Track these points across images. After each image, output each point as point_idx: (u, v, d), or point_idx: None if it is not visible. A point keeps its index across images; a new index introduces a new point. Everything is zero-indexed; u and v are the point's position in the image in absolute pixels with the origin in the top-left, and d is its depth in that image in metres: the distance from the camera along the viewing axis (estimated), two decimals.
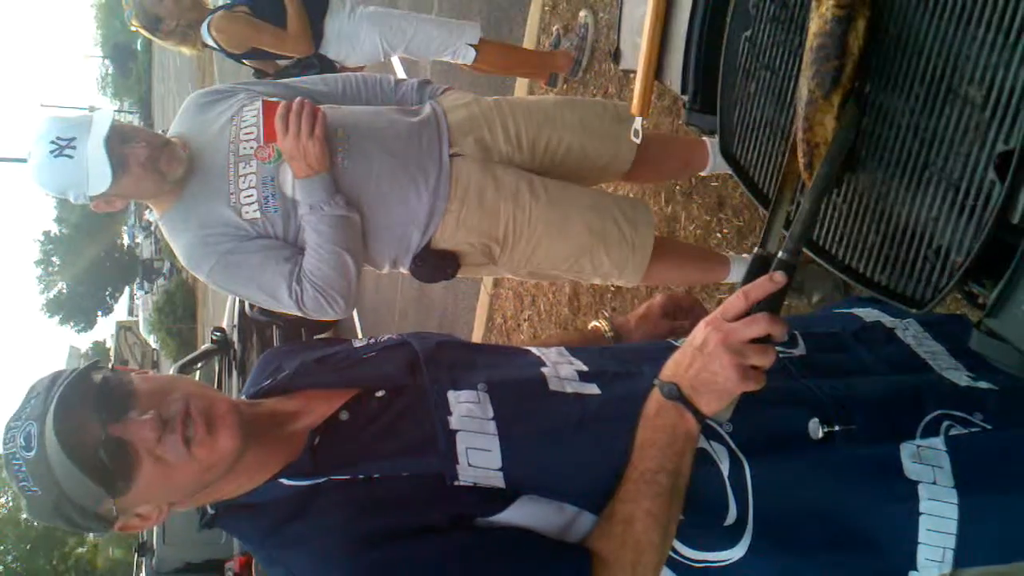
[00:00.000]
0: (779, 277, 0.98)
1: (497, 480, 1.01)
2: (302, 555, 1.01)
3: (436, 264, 2.24)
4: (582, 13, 3.99)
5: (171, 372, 8.21)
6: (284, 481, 1.06)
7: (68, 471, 0.96)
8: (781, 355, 1.14)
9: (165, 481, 1.02)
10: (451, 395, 1.07)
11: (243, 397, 1.20)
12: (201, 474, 1.04)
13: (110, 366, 1.09)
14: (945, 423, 1.08)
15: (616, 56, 1.69)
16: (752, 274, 1.05)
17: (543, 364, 1.15)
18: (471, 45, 3.56)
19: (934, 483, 1.05)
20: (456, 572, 0.97)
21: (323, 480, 1.04)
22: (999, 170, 0.87)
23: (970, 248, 0.91)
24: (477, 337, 5.15)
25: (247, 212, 2.06)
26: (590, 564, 0.98)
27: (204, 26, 3.33)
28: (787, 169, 1.12)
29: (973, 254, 0.91)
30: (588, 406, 1.07)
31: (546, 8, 4.46)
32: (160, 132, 2.18)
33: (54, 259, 55.69)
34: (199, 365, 8.11)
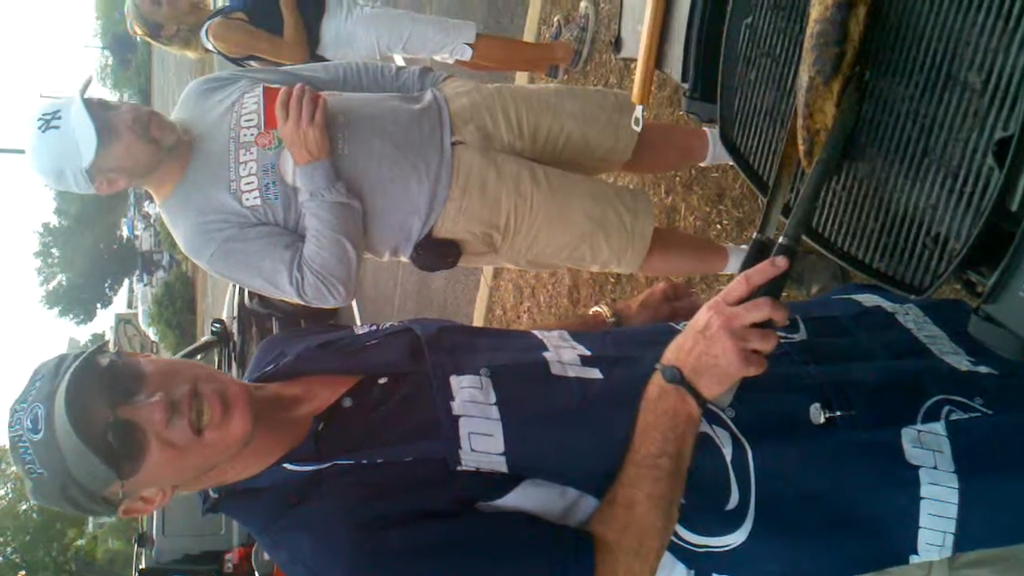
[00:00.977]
0: (781, 261, 0.98)
1: (500, 464, 1.02)
2: (305, 540, 1.01)
3: (437, 252, 2.24)
4: (583, 4, 3.98)
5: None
6: (287, 466, 1.07)
7: (78, 452, 0.96)
8: (782, 340, 1.14)
9: (172, 463, 1.03)
10: (453, 380, 1.08)
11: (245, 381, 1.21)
12: (209, 457, 1.04)
13: (115, 350, 1.09)
14: (946, 408, 1.09)
15: (617, 44, 1.69)
16: (751, 259, 1.05)
17: (545, 348, 1.15)
18: (467, 44, 3.56)
19: (935, 468, 1.05)
20: (458, 556, 0.97)
21: (327, 465, 1.05)
22: (998, 156, 0.88)
23: (968, 234, 0.92)
24: None
25: (248, 199, 2.06)
26: (592, 548, 0.98)
27: (203, 32, 3.35)
28: (785, 154, 1.13)
29: (971, 240, 0.91)
30: (590, 391, 1.07)
31: None
32: None
33: (53, 251, 55.61)
34: (199, 357, 8.10)
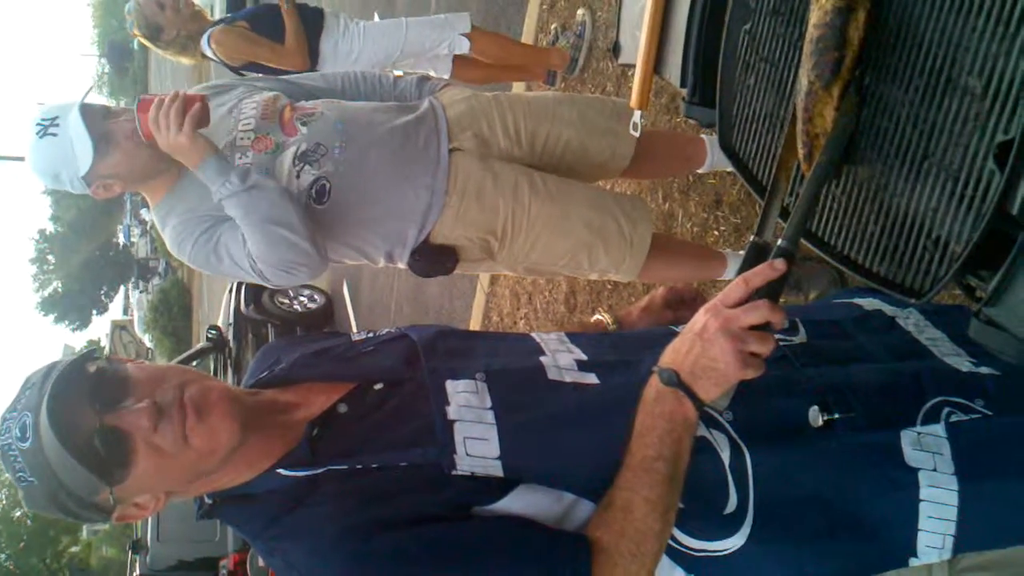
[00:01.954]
0: (779, 264, 0.98)
1: (495, 469, 1.01)
2: (300, 545, 1.00)
3: (434, 259, 2.23)
4: (580, 12, 3.99)
5: None
6: (282, 472, 1.06)
7: (64, 461, 0.96)
8: (782, 343, 1.14)
9: (162, 469, 1.02)
10: (449, 385, 1.07)
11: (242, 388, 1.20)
12: (198, 461, 1.04)
13: (105, 355, 1.08)
14: (946, 410, 1.08)
15: (616, 49, 1.69)
16: (748, 262, 1.05)
17: (542, 353, 1.15)
18: (464, 35, 3.59)
19: (934, 470, 1.05)
20: (454, 561, 0.96)
21: (321, 471, 1.04)
22: (998, 160, 0.88)
23: (969, 238, 0.92)
24: None
25: None
26: (589, 552, 0.97)
27: (204, 38, 3.38)
28: (782, 158, 1.13)
29: (972, 244, 0.91)
30: (586, 397, 1.07)
31: (544, 7, 4.46)
32: None
33: (49, 257, 55.54)
34: (194, 363, 8.10)
